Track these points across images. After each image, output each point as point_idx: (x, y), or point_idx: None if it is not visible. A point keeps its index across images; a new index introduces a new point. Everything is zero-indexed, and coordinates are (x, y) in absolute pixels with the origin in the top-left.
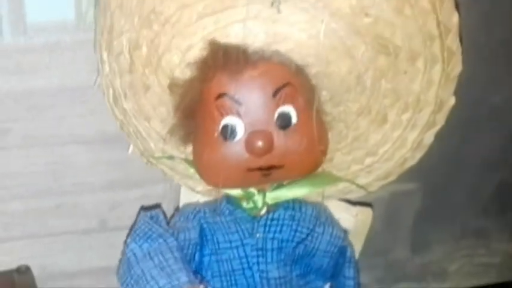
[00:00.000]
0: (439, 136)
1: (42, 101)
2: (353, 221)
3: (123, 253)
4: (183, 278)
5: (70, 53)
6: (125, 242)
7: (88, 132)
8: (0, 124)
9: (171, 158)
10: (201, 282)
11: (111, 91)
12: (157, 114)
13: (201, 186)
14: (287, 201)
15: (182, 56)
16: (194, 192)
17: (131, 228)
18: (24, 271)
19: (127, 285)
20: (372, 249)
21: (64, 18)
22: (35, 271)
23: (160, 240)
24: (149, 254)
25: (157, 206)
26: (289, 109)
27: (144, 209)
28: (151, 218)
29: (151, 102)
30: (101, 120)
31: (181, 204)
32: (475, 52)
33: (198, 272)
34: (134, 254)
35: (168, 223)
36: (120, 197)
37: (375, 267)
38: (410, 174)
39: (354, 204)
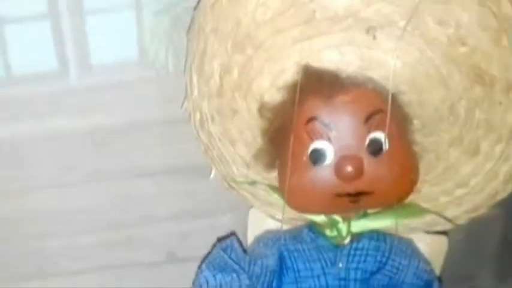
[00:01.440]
0: None
1: (107, 137)
2: (427, 251)
3: (196, 279)
4: None
5: (133, 90)
6: (199, 268)
7: (152, 165)
8: (69, 161)
9: (253, 183)
10: None
11: (198, 115)
12: (242, 139)
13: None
14: (371, 232)
15: (273, 80)
16: (273, 219)
17: (204, 258)
18: None
19: None
20: (455, 276)
21: (127, 56)
22: None
23: (234, 275)
24: (221, 285)
25: (232, 234)
26: (380, 136)
27: (219, 239)
28: (225, 249)
29: (237, 126)
30: (167, 153)
31: (249, 234)
32: None
33: None
34: (207, 282)
35: (244, 251)
36: (188, 228)
37: None
38: None
39: (428, 233)
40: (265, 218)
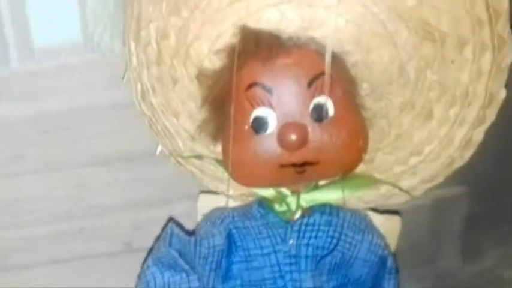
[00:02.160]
0: (487, 134)
1: (55, 124)
2: (381, 230)
3: (143, 274)
4: None
5: (79, 74)
6: (145, 262)
7: (104, 152)
8: (15, 150)
9: (200, 157)
10: None
11: (139, 86)
12: (186, 110)
13: (232, 189)
14: (323, 206)
15: (212, 45)
16: (223, 195)
17: (149, 251)
18: None
19: None
20: (419, 259)
21: (71, 40)
22: None
23: (184, 275)
24: (169, 285)
25: (169, 220)
26: (325, 100)
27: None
28: (170, 241)
29: (179, 96)
30: (117, 139)
31: (199, 215)
32: None
33: None
34: (154, 279)
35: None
36: (143, 217)
37: (424, 277)
38: (456, 177)
39: (381, 213)
40: (215, 202)
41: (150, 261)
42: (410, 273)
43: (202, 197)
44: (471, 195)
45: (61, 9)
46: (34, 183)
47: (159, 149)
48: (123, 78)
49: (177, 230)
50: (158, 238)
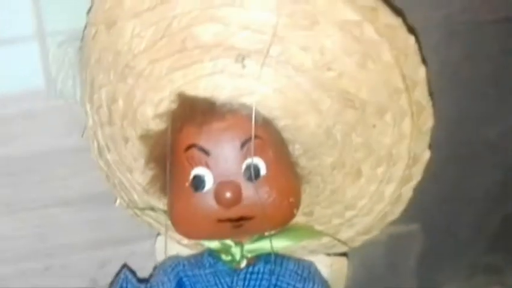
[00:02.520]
0: (435, 175)
1: (21, 167)
2: (328, 272)
3: None
4: None
5: (43, 119)
6: None
7: (69, 193)
8: None
9: (153, 209)
10: None
11: (95, 143)
12: (138, 166)
13: (186, 239)
14: (269, 255)
15: (155, 109)
16: (179, 244)
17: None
18: None
19: None
20: None
21: (34, 86)
22: None
23: None
24: None
25: (123, 266)
26: (257, 161)
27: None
28: (121, 285)
29: (131, 153)
30: (82, 181)
31: (157, 255)
32: (463, 88)
33: None
34: None
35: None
36: (108, 254)
37: None
38: (409, 215)
39: (328, 255)
40: (173, 244)
41: None
42: None
43: (160, 239)
44: (425, 232)
45: (23, 57)
46: (1, 223)
47: (118, 201)
48: (82, 135)
49: (130, 276)
50: (112, 283)
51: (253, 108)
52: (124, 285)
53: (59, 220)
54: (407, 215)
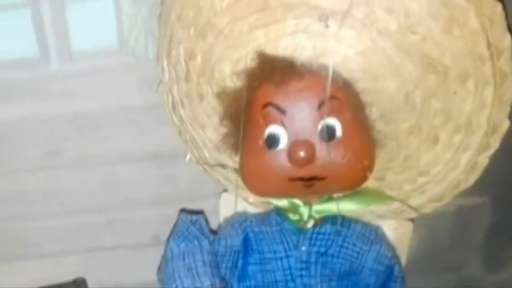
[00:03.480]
0: (509, 148)
1: (90, 122)
2: (392, 235)
3: (164, 251)
4: (206, 281)
5: (114, 76)
6: (167, 240)
7: (136, 151)
8: (53, 145)
9: (223, 166)
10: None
11: (170, 98)
12: (211, 123)
13: (254, 197)
14: (336, 217)
15: (233, 67)
16: (245, 202)
17: (172, 229)
18: (80, 284)
19: (161, 281)
20: (443, 265)
21: (107, 44)
22: (91, 284)
23: (196, 242)
24: (183, 253)
25: (199, 212)
26: (333, 122)
27: (185, 211)
28: (192, 221)
29: (205, 110)
30: (148, 138)
31: (221, 217)
32: None
33: (224, 279)
34: (171, 252)
35: (212, 231)
36: (171, 212)
37: (447, 284)
38: (478, 187)
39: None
40: (239, 202)
41: (170, 238)
42: (434, 279)
43: (225, 195)
44: (494, 206)
45: (98, 15)
46: (69, 177)
47: (188, 156)
48: (156, 90)
49: (203, 223)
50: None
51: (330, 69)
52: (190, 228)
53: (124, 176)
54: (477, 187)
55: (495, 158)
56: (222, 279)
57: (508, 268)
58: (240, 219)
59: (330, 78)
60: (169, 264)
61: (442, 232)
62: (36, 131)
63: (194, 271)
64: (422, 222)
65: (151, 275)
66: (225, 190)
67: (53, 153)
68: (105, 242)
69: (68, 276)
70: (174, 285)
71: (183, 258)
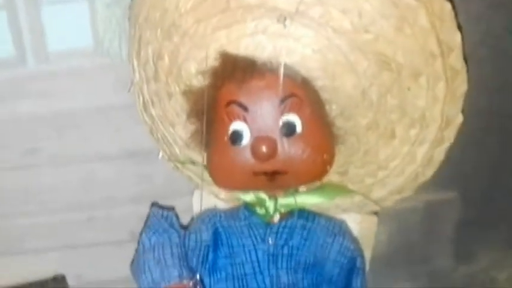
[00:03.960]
0: (475, 143)
1: (67, 121)
2: (357, 229)
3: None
4: (174, 272)
5: (90, 77)
6: (139, 234)
7: (113, 149)
8: (30, 144)
9: (193, 163)
10: (192, 279)
11: (141, 98)
12: (180, 121)
13: (224, 193)
14: (302, 211)
15: (198, 66)
16: (216, 198)
17: (145, 223)
18: (60, 280)
19: (133, 273)
20: (413, 258)
21: (83, 45)
22: (71, 280)
23: (165, 235)
24: (153, 247)
25: (170, 208)
26: (294, 118)
27: (156, 205)
28: (163, 216)
29: (174, 109)
30: (124, 137)
31: (194, 209)
32: (505, 58)
33: (192, 270)
34: (143, 245)
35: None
36: (147, 209)
37: (418, 276)
38: (448, 182)
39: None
40: (210, 199)
41: (142, 232)
42: (405, 271)
43: (198, 192)
44: (463, 200)
45: (74, 17)
46: (48, 175)
47: (160, 154)
48: (129, 90)
49: (174, 219)
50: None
51: (282, 67)
52: (161, 222)
53: (102, 174)
54: (446, 182)
55: (463, 153)
56: (191, 270)
57: (478, 260)
58: (209, 215)
59: (281, 77)
60: (141, 257)
61: (412, 226)
62: (15, 130)
63: (163, 263)
64: (393, 217)
65: (129, 270)
66: (197, 188)
67: (31, 152)
68: (84, 239)
69: (48, 273)
70: (143, 277)
71: (153, 251)
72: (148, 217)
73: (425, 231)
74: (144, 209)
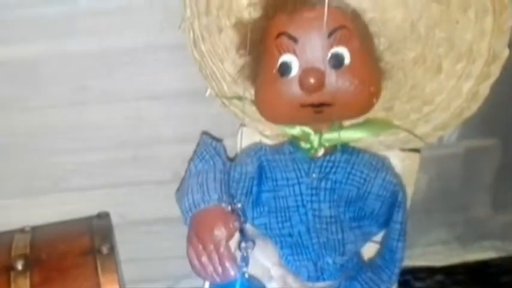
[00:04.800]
0: None
1: (116, 59)
2: (400, 166)
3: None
4: (214, 195)
5: (140, 15)
6: (188, 162)
7: (159, 88)
8: (80, 81)
9: (241, 98)
10: (231, 204)
11: (191, 34)
12: (229, 56)
13: (269, 129)
14: (346, 146)
15: None
16: (261, 135)
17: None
18: (103, 217)
19: (177, 199)
20: (451, 205)
21: None
22: (114, 218)
23: (211, 162)
24: (198, 172)
25: (220, 140)
26: (342, 50)
27: (207, 134)
28: (211, 144)
29: (224, 43)
30: (172, 77)
31: (238, 146)
32: None
33: (233, 197)
34: (189, 172)
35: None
36: (192, 150)
37: (454, 224)
38: (488, 129)
39: (402, 150)
40: (255, 135)
41: (190, 160)
42: (442, 218)
43: (242, 129)
44: (503, 147)
45: None
46: (95, 112)
47: (208, 91)
48: (179, 27)
49: (222, 150)
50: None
51: None
52: (209, 150)
53: (149, 113)
54: (487, 129)
55: (505, 101)
56: (230, 195)
57: None
58: (255, 148)
59: (326, 6)
60: (186, 182)
61: (451, 173)
62: (64, 67)
63: (205, 187)
64: (432, 164)
65: (172, 210)
66: (242, 125)
67: (79, 89)
68: (129, 178)
69: (92, 211)
70: (185, 199)
71: (197, 176)
72: (198, 144)
73: (464, 178)
74: (189, 150)
